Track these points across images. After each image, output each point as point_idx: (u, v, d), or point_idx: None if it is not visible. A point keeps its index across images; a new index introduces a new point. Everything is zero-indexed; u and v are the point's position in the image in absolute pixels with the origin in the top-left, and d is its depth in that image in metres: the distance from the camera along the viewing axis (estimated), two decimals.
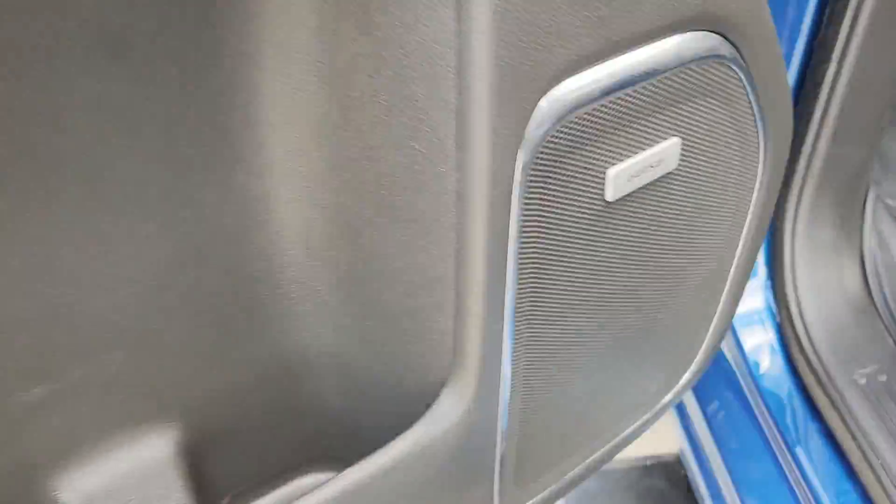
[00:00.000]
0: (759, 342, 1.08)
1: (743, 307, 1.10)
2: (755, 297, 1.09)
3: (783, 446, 1.03)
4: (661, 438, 1.41)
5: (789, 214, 1.06)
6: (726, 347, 1.12)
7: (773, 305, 1.09)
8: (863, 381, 0.99)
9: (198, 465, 0.66)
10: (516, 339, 0.58)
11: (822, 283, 1.07)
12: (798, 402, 1.04)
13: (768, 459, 1.06)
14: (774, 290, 1.09)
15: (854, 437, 0.95)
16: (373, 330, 0.64)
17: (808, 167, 1.03)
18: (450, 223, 0.51)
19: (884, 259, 1.10)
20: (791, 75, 1.01)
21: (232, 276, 0.61)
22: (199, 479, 0.66)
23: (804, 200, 1.05)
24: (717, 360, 1.14)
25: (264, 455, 0.72)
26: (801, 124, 1.02)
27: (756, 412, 1.07)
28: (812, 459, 1.00)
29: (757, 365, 1.07)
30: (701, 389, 1.18)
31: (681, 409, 1.24)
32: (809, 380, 1.03)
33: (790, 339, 1.06)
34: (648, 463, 1.38)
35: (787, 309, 1.07)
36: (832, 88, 0.97)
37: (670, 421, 1.29)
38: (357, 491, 0.57)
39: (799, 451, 1.02)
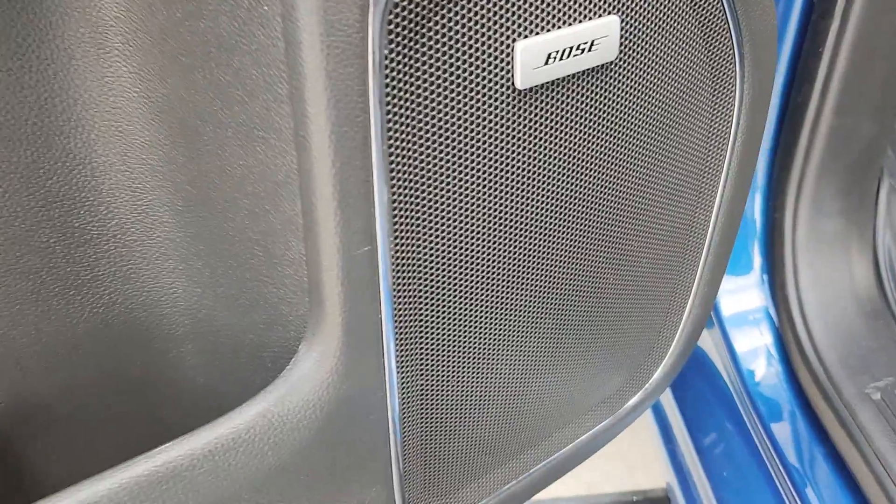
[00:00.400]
0: (754, 347, 0.92)
1: (735, 306, 0.95)
2: (749, 294, 0.94)
3: (784, 474, 0.86)
4: (648, 470, 1.24)
5: (789, 200, 0.91)
6: (715, 353, 0.96)
7: (771, 305, 0.93)
8: (877, 395, 0.83)
9: (10, 445, 0.52)
10: (397, 280, 0.43)
11: (828, 281, 0.91)
12: (801, 421, 0.87)
13: (766, 490, 0.89)
14: (772, 287, 0.93)
15: (868, 463, 0.78)
16: (225, 272, 0.50)
17: (810, 144, 0.89)
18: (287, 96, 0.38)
19: None
20: (789, 34, 0.87)
21: (42, 196, 0.47)
22: (9, 463, 0.51)
23: (806, 183, 0.90)
24: (704, 369, 0.98)
25: (108, 443, 0.57)
26: (801, 92, 0.88)
27: (751, 433, 0.91)
28: (818, 489, 0.83)
29: (752, 375, 0.91)
30: (687, 407, 1.02)
31: (666, 433, 1.07)
32: (814, 394, 0.86)
33: (791, 345, 0.90)
34: (634, 499, 1.20)
35: (788, 310, 0.91)
36: (836, 48, 0.83)
37: (657, 450, 1.12)
38: (173, 475, 0.41)
39: (803, 479, 0.85)
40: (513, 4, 0.39)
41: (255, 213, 0.44)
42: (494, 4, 0.39)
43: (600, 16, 0.44)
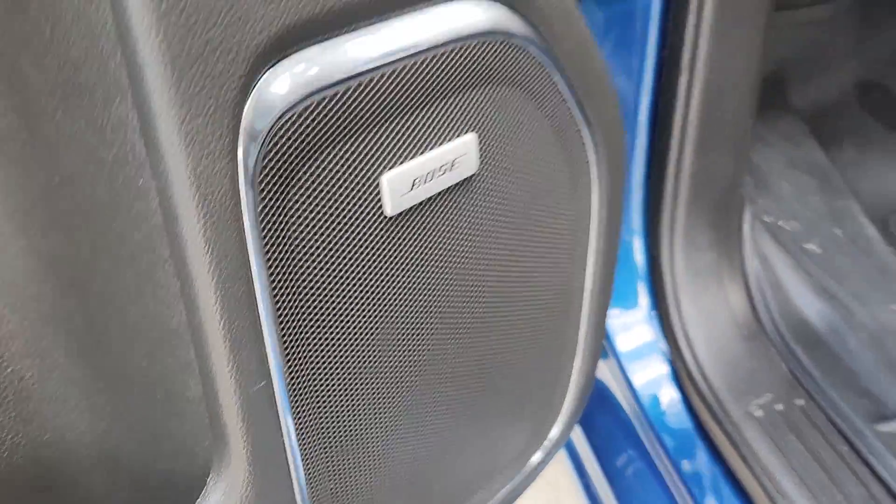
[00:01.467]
0: (649, 379, 0.98)
1: (629, 342, 1.01)
2: (641, 330, 1.00)
3: (687, 495, 0.92)
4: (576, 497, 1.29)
5: (665, 240, 0.99)
6: (616, 388, 1.02)
7: (661, 339, 1.00)
8: (759, 412, 0.90)
9: None
10: (296, 405, 0.46)
11: (708, 310, 0.99)
12: (699, 444, 0.94)
13: None
14: (660, 321, 1.00)
15: (757, 478, 0.85)
16: (129, 405, 0.51)
17: (676, 185, 0.96)
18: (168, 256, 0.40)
19: (768, 279, 1.03)
20: (647, 89, 0.94)
21: None
22: None
23: (678, 223, 0.98)
24: (606, 402, 1.04)
25: None
26: (662, 141, 0.95)
27: (654, 459, 0.97)
28: None
29: (650, 405, 0.97)
30: (594, 438, 1.07)
31: (578, 464, 1.12)
32: (706, 417, 0.93)
33: (682, 373, 0.97)
34: None
35: (675, 342, 0.98)
36: (688, 99, 0.91)
37: (573, 483, 1.17)
38: None
39: (703, 499, 0.91)
40: (374, 141, 0.43)
41: (153, 356, 0.46)
42: (355, 146, 0.42)
43: (459, 136, 0.48)
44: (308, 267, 0.43)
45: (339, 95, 0.40)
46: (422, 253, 0.49)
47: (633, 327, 1.00)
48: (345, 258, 0.44)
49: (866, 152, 1.26)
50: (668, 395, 0.97)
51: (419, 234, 0.48)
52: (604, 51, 0.98)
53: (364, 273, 0.46)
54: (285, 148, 0.39)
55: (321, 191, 0.41)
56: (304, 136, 0.39)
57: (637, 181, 0.98)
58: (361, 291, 0.46)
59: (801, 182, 1.17)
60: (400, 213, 0.46)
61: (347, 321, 0.46)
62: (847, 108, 1.32)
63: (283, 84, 0.37)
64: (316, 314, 0.44)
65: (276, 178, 0.39)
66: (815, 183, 1.17)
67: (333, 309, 0.45)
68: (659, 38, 0.91)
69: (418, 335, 0.52)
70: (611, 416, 1.04)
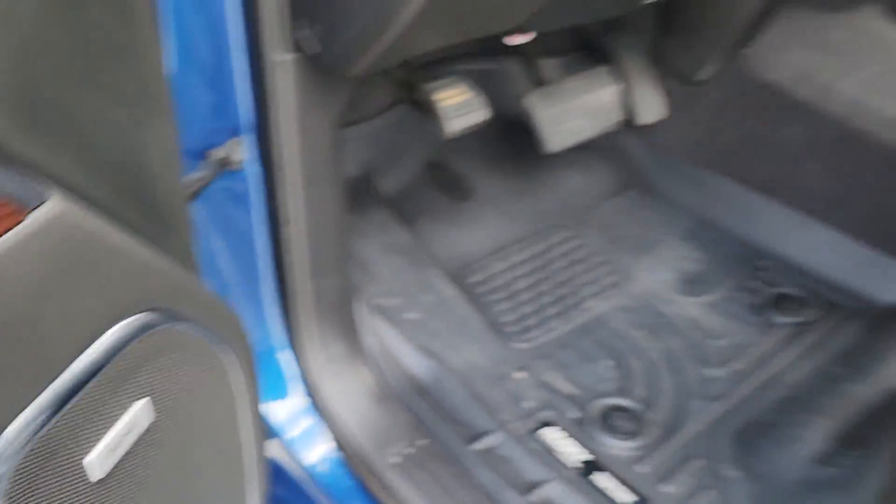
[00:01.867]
0: (316, 456, 1.26)
1: (295, 430, 1.27)
2: (302, 419, 1.27)
3: None
4: None
5: (306, 345, 1.25)
6: (290, 466, 1.27)
7: (319, 422, 1.27)
8: (397, 459, 1.22)
9: None
10: None
11: (348, 389, 1.28)
12: (361, 497, 1.23)
13: None
14: (316, 409, 1.27)
15: None
16: None
17: (303, 304, 1.23)
18: None
19: (384, 350, 1.36)
20: (265, 240, 1.19)
21: None
22: None
23: (312, 330, 1.25)
24: (285, 479, 1.29)
25: None
26: (285, 274, 1.21)
27: None
28: None
29: (320, 476, 1.25)
30: None
31: None
32: (363, 474, 1.23)
33: (339, 444, 1.25)
34: None
35: (330, 420, 1.26)
36: (296, 243, 1.18)
37: None
38: None
39: None
40: (74, 446, 0.61)
41: None
42: (62, 457, 0.60)
43: (131, 405, 0.68)
44: None
45: (45, 435, 0.58)
46: (130, 486, 0.68)
47: (295, 419, 1.27)
48: None
49: (438, 223, 1.66)
50: (332, 465, 1.25)
51: (125, 477, 0.67)
52: (234, 215, 1.21)
53: None
54: (17, 486, 0.56)
55: (49, 494, 0.59)
56: (28, 471, 0.57)
57: (274, 309, 1.23)
58: None
59: (394, 263, 1.52)
60: (106, 475, 0.65)
61: None
62: (421, 189, 1.72)
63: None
64: None
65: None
66: (405, 260, 1.53)
67: None
68: (265, 198, 1.17)
69: None
70: (290, 489, 1.30)
